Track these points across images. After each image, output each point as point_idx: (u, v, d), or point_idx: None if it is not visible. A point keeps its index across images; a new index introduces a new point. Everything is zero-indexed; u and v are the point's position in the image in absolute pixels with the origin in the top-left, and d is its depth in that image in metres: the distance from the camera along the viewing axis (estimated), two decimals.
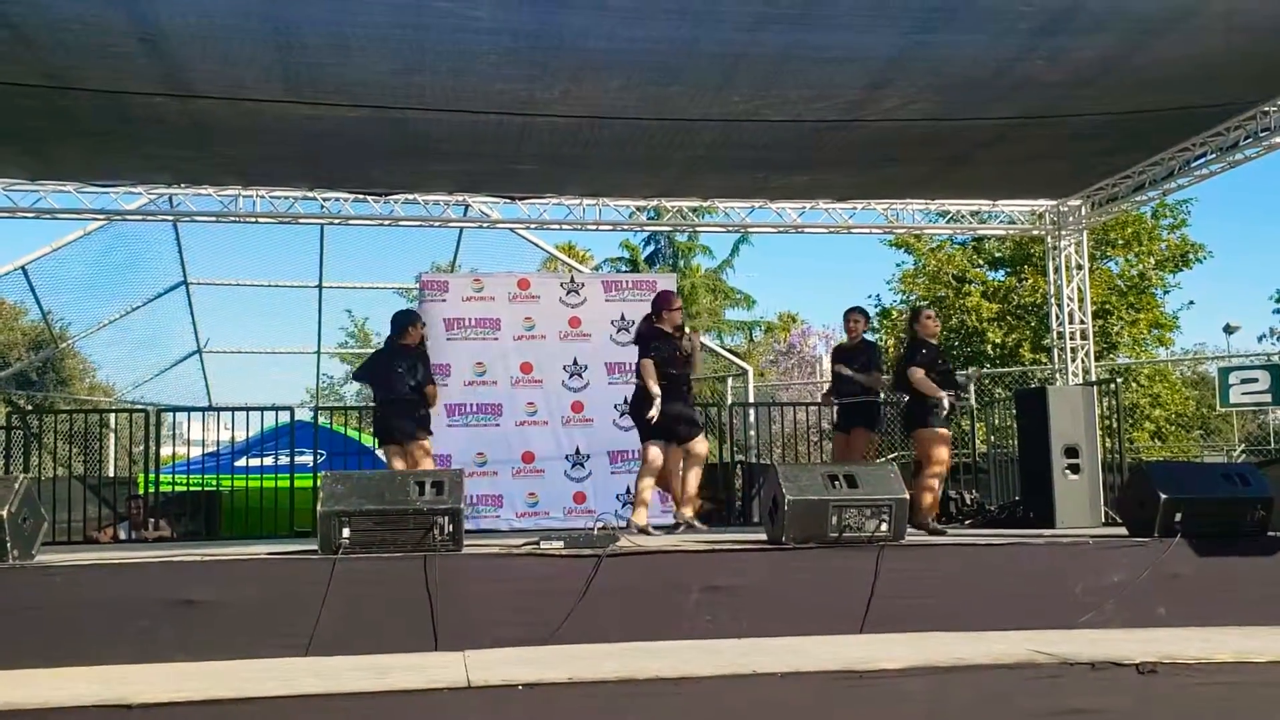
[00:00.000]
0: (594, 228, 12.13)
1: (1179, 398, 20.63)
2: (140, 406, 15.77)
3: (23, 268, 14.46)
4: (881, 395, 9.27)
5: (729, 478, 12.89)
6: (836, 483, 6.23)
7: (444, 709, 4.37)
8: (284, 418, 12.22)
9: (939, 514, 8.65)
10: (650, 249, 33.62)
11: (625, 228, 13.34)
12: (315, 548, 5.91)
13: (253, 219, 11.48)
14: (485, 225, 12.48)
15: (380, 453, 8.81)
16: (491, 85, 7.93)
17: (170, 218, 12.18)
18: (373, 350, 12.76)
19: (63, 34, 7.02)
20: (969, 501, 10.74)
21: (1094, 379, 12.13)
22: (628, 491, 10.73)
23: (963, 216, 12.31)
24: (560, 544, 6.07)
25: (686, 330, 8.50)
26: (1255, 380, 14.76)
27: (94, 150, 9.54)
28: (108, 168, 10.29)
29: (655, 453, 8.01)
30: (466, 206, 11.70)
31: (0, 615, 5.31)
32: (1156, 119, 9.08)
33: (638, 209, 12.04)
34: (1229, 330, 23.21)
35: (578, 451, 10.95)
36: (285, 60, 7.48)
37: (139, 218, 11.82)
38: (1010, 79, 7.98)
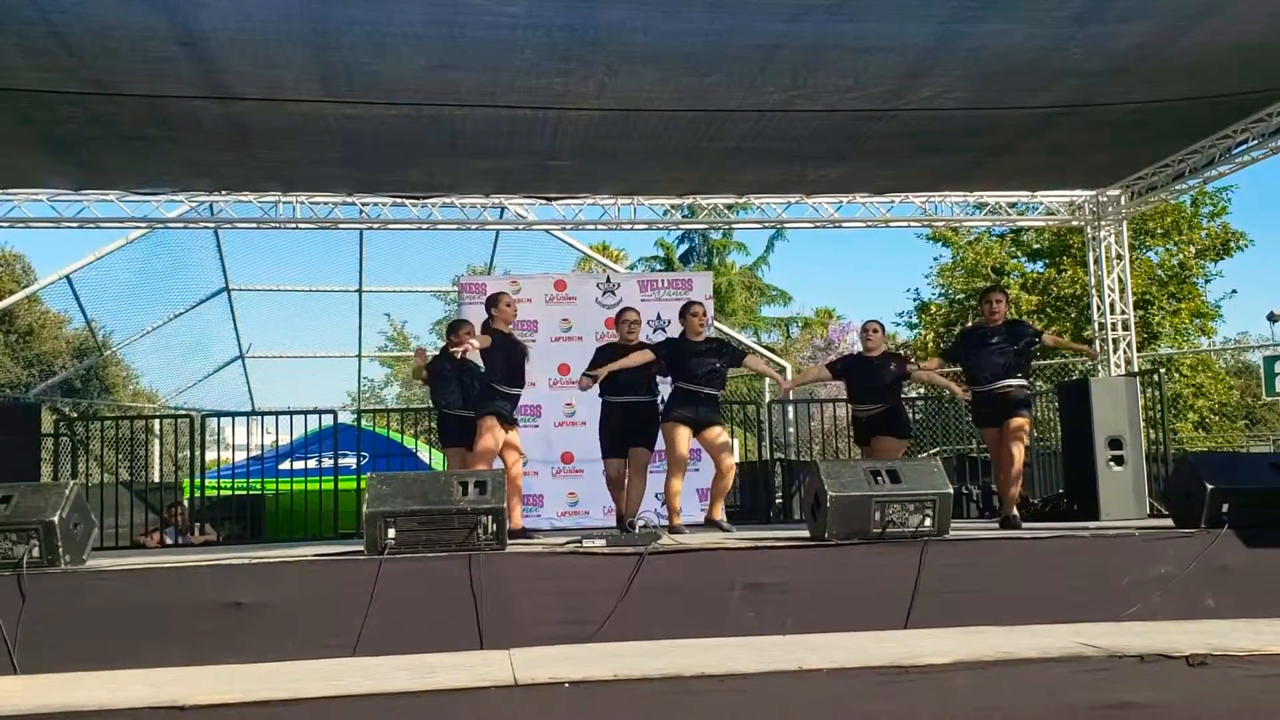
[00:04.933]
0: (629, 227, 12.16)
1: (1223, 387, 20.41)
2: (184, 412, 15.97)
3: (67, 277, 14.68)
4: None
5: (768, 475, 12.86)
6: (879, 478, 6.20)
7: (491, 707, 4.39)
8: (327, 421, 12.33)
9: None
10: (685, 247, 33.59)
11: (660, 226, 13.38)
12: (361, 549, 5.96)
13: (293, 224, 11.60)
14: (521, 227, 12.55)
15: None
16: (526, 80, 7.97)
17: (211, 224, 12.35)
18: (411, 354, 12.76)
19: (107, 40, 7.14)
20: None
21: (1136, 370, 12.01)
22: None
23: (1001, 208, 12.23)
24: (603, 542, 6.08)
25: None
26: None
27: (136, 157, 9.68)
28: (150, 175, 10.44)
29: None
30: (502, 209, 11.77)
31: (54, 619, 5.39)
32: (1196, 106, 8.98)
33: (672, 207, 12.05)
34: (1273, 319, 22.86)
35: None
36: (322, 60, 7.57)
37: (180, 225, 11.99)
38: (1048, 68, 7.92)
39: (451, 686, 4.47)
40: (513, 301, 8.31)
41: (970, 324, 8.53)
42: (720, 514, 8.01)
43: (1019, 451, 7.99)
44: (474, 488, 5.98)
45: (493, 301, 8.14)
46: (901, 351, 8.36)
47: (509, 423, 7.93)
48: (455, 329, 8.48)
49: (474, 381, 8.25)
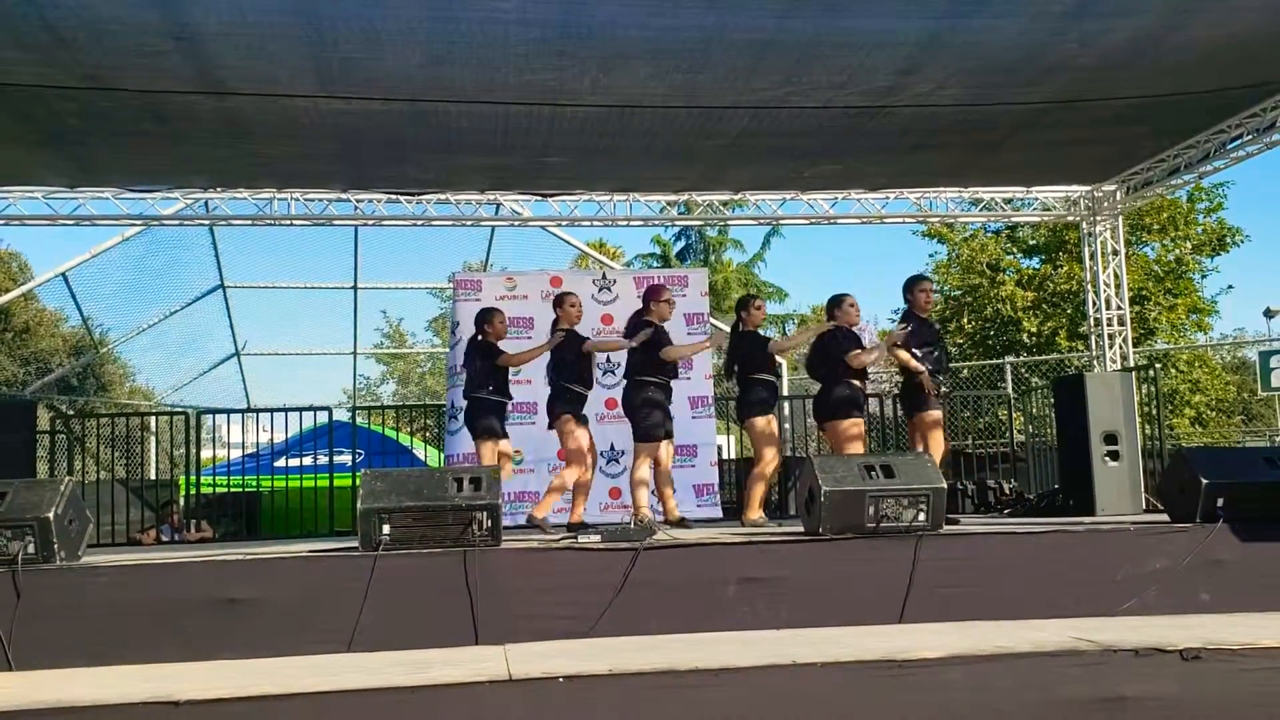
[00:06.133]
0: (625, 223, 12.16)
1: (1219, 383, 20.41)
2: (180, 409, 15.95)
3: (63, 275, 14.68)
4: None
5: None
6: (873, 473, 6.20)
7: (486, 702, 4.39)
8: (322, 418, 12.32)
9: None
10: (681, 244, 33.65)
11: (656, 223, 13.38)
12: (356, 545, 5.96)
13: (288, 221, 11.59)
14: (517, 223, 12.55)
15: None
16: (520, 76, 7.96)
17: (207, 222, 12.35)
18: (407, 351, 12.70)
19: (101, 35, 7.14)
20: (1008, 491, 10.68)
21: (1132, 365, 12.02)
22: None
23: (996, 204, 12.23)
24: (598, 538, 6.09)
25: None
26: None
27: (131, 153, 9.67)
28: (145, 171, 10.42)
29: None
30: (498, 205, 11.76)
31: (49, 615, 5.38)
32: (1192, 101, 8.98)
33: (668, 204, 12.04)
34: (1269, 314, 22.87)
35: (612, 448, 10.92)
36: (317, 55, 7.56)
37: (176, 222, 11.98)
38: (1044, 63, 7.92)
39: (446, 682, 4.47)
40: (577, 301, 8.42)
41: (907, 315, 8.30)
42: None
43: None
44: (469, 484, 5.98)
45: (559, 301, 8.39)
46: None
47: (583, 421, 8.07)
48: (488, 317, 8.47)
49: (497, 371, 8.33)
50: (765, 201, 11.95)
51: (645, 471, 7.93)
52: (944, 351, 8.34)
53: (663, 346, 8.12)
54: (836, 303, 8.24)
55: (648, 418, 7.97)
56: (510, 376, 8.83)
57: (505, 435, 8.40)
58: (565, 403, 8.00)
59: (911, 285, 8.25)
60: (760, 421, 8.06)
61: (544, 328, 11.06)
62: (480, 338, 8.41)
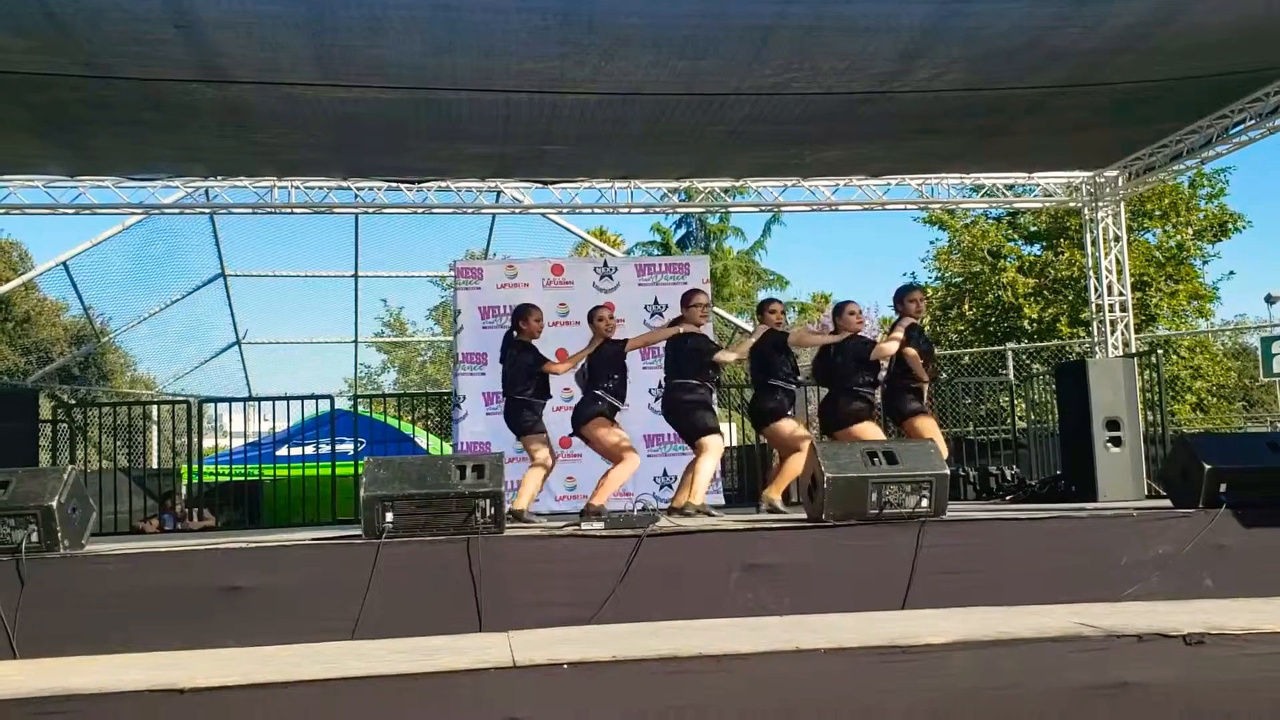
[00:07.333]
0: (626, 210, 12.14)
1: (1220, 369, 20.41)
2: (182, 398, 15.96)
3: (64, 264, 14.67)
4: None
5: (766, 458, 12.86)
6: (876, 460, 6.20)
7: (490, 688, 4.39)
8: (324, 407, 12.33)
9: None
10: (682, 232, 33.59)
11: (657, 210, 13.36)
12: (359, 533, 5.96)
13: (288, 209, 11.58)
14: (518, 210, 12.54)
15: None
16: (522, 64, 7.95)
17: (207, 210, 12.34)
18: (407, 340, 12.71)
19: (102, 22, 7.12)
20: (1009, 477, 10.68)
21: (1134, 351, 12.02)
22: (664, 474, 10.75)
23: (998, 190, 12.22)
24: (601, 525, 6.09)
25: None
26: None
27: (132, 141, 9.65)
28: (145, 159, 10.41)
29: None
30: (499, 193, 11.74)
31: (53, 604, 5.39)
32: (1194, 86, 8.96)
33: (670, 191, 12.03)
34: (1271, 300, 22.85)
35: None
36: (319, 43, 7.54)
37: (176, 211, 11.97)
38: (1046, 47, 7.90)
39: (451, 668, 4.47)
40: (606, 314, 8.12)
41: (910, 323, 8.20)
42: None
43: None
44: (471, 472, 5.98)
45: (590, 316, 8.13)
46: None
47: (614, 422, 7.88)
48: (523, 314, 8.27)
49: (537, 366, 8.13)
50: (767, 188, 11.93)
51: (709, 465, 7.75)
52: (933, 360, 8.34)
53: (706, 357, 7.85)
54: (838, 311, 8.23)
55: (700, 416, 7.74)
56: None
57: (545, 430, 8.21)
58: (595, 407, 7.79)
59: (903, 295, 8.19)
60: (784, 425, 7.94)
61: (545, 316, 11.05)
62: (515, 334, 8.20)
